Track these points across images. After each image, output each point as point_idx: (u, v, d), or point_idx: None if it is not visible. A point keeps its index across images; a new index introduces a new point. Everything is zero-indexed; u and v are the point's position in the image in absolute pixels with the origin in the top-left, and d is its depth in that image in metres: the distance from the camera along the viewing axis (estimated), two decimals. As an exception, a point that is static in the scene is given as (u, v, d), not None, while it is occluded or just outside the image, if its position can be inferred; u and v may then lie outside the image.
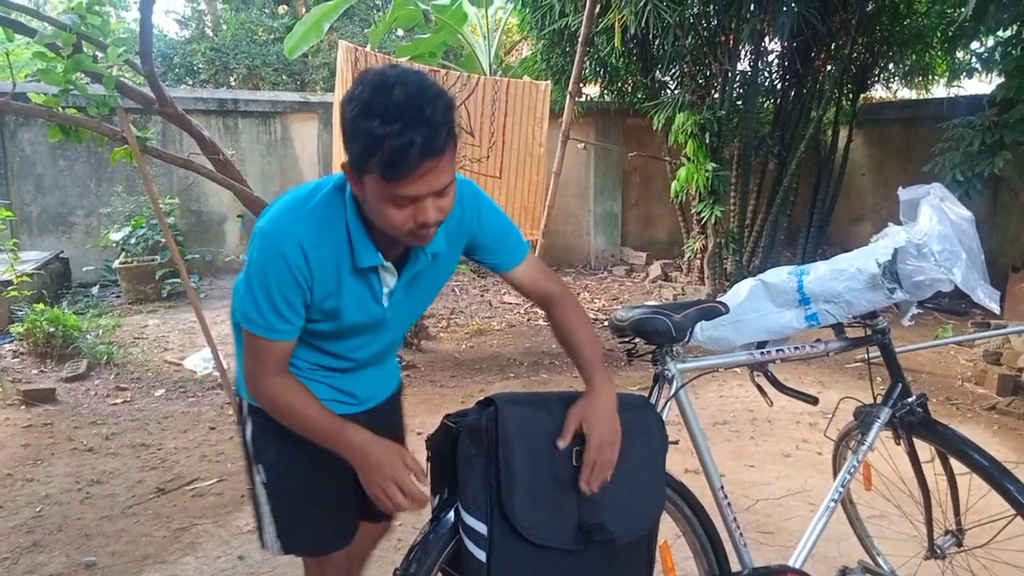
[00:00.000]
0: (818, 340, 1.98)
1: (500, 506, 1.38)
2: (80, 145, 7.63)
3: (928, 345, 4.89)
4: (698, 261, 7.77)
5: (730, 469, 3.51)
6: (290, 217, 1.37)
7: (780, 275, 2.00)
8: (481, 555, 1.39)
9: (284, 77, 12.10)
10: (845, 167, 8.25)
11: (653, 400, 1.78)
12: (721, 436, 3.97)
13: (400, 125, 1.18)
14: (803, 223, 8.27)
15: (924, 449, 2.09)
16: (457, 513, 1.46)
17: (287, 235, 1.34)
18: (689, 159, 6.94)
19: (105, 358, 5.18)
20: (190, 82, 11.77)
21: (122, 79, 4.13)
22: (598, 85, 8.74)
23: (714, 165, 6.81)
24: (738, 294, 2.02)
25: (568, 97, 5.41)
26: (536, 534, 1.39)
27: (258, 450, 1.63)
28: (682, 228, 8.12)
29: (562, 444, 1.42)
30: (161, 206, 4.45)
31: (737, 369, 5.06)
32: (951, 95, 8.19)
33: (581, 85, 7.69)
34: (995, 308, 1.86)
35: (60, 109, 4.01)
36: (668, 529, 1.75)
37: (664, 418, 1.72)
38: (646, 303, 1.74)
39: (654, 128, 7.48)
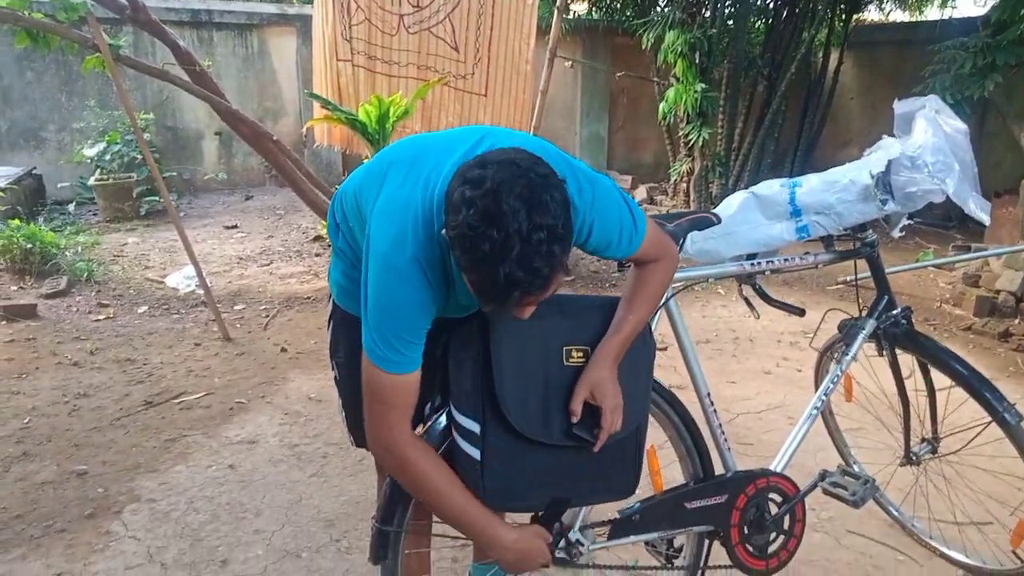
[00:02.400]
0: (807, 252, 1.99)
1: (492, 403, 1.39)
2: (48, 56, 7.36)
3: (909, 267, 4.95)
4: (684, 184, 7.74)
5: (712, 385, 3.51)
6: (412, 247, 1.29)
7: (772, 187, 1.99)
8: (475, 452, 1.41)
9: (259, -12, 11.60)
10: (834, 91, 8.16)
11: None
12: (703, 354, 4.04)
13: (506, 266, 1.10)
14: (790, 147, 8.22)
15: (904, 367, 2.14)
16: (449, 415, 1.48)
17: (412, 262, 1.28)
18: (678, 79, 6.82)
19: (85, 275, 5.12)
20: (161, -8, 11.25)
21: (91, -18, 3.94)
22: (586, 2, 8.49)
23: (703, 86, 6.70)
24: (729, 206, 2.01)
25: (555, 12, 5.24)
26: (528, 428, 1.41)
27: (333, 348, 1.72)
28: (669, 151, 8.05)
29: (574, 410, 1.43)
30: (137, 121, 4.31)
31: (720, 290, 5.12)
32: (944, 17, 8.05)
33: (569, 1, 7.45)
34: (985, 219, 1.87)
35: (26, 14, 3.83)
36: (654, 435, 1.79)
37: (653, 327, 1.73)
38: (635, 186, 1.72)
39: (643, 47, 7.31)
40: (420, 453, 1.39)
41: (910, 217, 1.97)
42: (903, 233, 1.95)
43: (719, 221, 1.84)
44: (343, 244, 1.57)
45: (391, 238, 1.29)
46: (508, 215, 1.09)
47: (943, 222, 1.99)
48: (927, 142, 1.85)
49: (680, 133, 7.33)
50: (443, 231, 1.19)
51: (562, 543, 1.63)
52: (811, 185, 1.92)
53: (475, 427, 1.41)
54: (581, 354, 1.48)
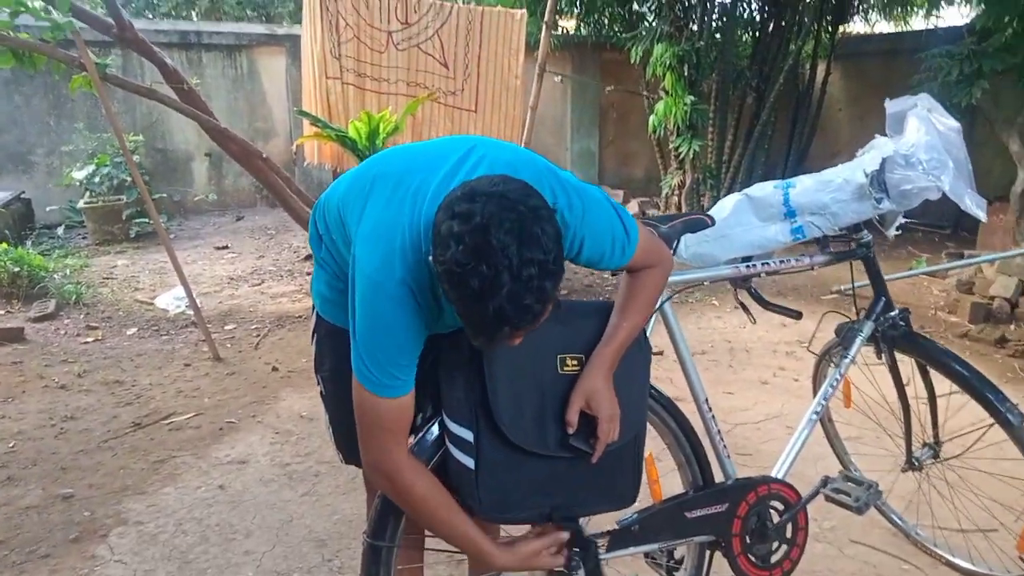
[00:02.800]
0: (803, 254, 1.96)
1: (486, 413, 1.35)
2: (36, 80, 7.34)
3: (903, 275, 4.93)
4: (675, 198, 7.73)
5: (708, 396, 3.54)
6: (400, 268, 1.25)
7: (765, 188, 1.97)
8: (469, 461, 1.37)
9: (248, 11, 11.64)
10: (823, 102, 8.19)
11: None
12: (700, 365, 3.92)
13: (495, 302, 1.07)
14: (780, 159, 8.23)
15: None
16: (442, 425, 1.44)
17: (401, 285, 1.25)
18: (667, 92, 6.84)
19: (74, 298, 5.06)
20: (149, 15, 11.29)
21: (76, 2, 3.93)
22: (574, 19, 8.52)
23: (692, 98, 6.72)
24: (723, 209, 1.99)
25: (544, 28, 5.25)
26: (523, 440, 1.37)
27: (318, 361, 1.67)
28: (659, 164, 8.05)
29: (570, 421, 1.39)
30: (126, 143, 4.29)
31: (714, 301, 5.09)
32: (930, 26, 8.11)
33: (557, 17, 7.48)
34: (982, 216, 1.85)
35: (11, 34, 3.81)
36: (652, 443, 1.74)
37: (648, 332, 1.70)
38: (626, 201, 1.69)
39: (632, 61, 7.33)
40: (419, 477, 1.35)
41: (905, 217, 1.95)
42: (899, 231, 1.92)
43: (713, 223, 1.82)
44: (325, 255, 1.53)
45: (378, 261, 1.25)
46: (498, 251, 1.06)
47: (938, 223, 1.97)
48: (920, 140, 1.84)
49: (671, 146, 7.34)
50: (430, 257, 1.16)
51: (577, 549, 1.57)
52: (805, 186, 1.90)
53: (469, 435, 1.37)
54: (576, 362, 1.44)
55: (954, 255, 5.75)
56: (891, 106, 2.01)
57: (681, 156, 7.16)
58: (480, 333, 1.15)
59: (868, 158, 1.88)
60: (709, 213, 1.87)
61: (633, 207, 8.54)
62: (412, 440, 1.52)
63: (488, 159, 1.32)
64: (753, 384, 3.74)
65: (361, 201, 1.34)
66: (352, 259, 1.30)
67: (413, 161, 1.37)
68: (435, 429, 1.48)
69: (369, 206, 1.32)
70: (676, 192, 7.65)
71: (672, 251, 1.80)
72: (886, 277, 2.07)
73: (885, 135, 2.01)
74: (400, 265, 1.24)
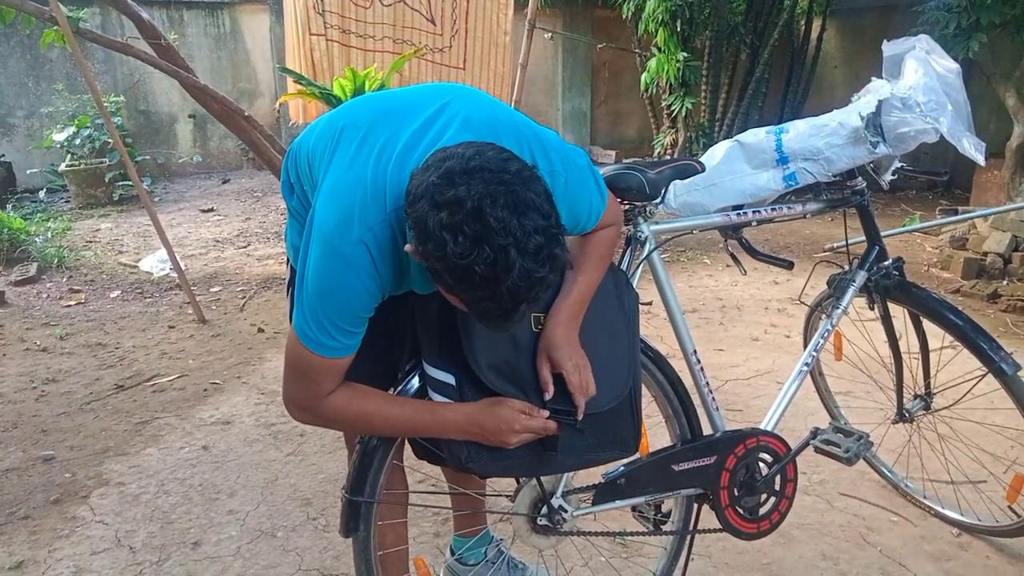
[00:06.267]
0: (796, 201, 1.91)
1: (464, 361, 1.30)
2: (12, 40, 7.16)
3: (896, 232, 4.88)
4: (668, 156, 7.64)
5: (699, 353, 3.50)
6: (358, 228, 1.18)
7: (757, 135, 1.90)
8: None
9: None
10: (817, 59, 8.07)
11: (625, 264, 1.70)
12: (691, 323, 3.93)
13: (507, 281, 1.00)
14: (774, 117, 8.11)
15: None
16: (422, 375, 1.39)
17: (358, 244, 1.17)
18: (660, 49, 6.72)
19: (56, 261, 4.99)
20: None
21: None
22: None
23: (685, 55, 6.61)
24: (713, 156, 1.92)
25: (533, -19, 5.11)
26: (502, 389, 1.32)
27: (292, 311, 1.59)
28: (652, 123, 7.95)
29: (543, 384, 1.33)
30: (105, 104, 4.17)
31: (706, 259, 5.05)
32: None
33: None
34: (980, 159, 1.78)
35: (-21, -14, 3.68)
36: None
37: (635, 282, 1.64)
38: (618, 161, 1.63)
39: (624, 17, 7.19)
40: (342, 401, 1.30)
41: (900, 161, 1.89)
42: (895, 176, 1.86)
43: (703, 168, 1.75)
44: (297, 204, 1.46)
45: (335, 220, 1.18)
46: (498, 230, 0.99)
47: (934, 169, 1.91)
48: (918, 82, 1.77)
49: (663, 104, 7.24)
50: (396, 210, 1.10)
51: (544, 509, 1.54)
52: (798, 130, 1.83)
53: (450, 379, 1.32)
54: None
55: (948, 211, 5.70)
56: (888, 48, 1.94)
57: (674, 114, 7.07)
58: (495, 317, 1.08)
59: (864, 101, 1.81)
60: (699, 159, 1.80)
61: (625, 168, 8.44)
62: (393, 393, 1.48)
63: (461, 118, 1.24)
64: (744, 341, 3.71)
65: (329, 152, 1.28)
66: (312, 211, 1.24)
67: (383, 114, 1.29)
68: (415, 381, 1.43)
69: (335, 160, 1.25)
70: (669, 151, 7.58)
71: (660, 199, 1.74)
72: (880, 234, 2.01)
73: (883, 75, 1.94)
74: (359, 224, 1.17)
